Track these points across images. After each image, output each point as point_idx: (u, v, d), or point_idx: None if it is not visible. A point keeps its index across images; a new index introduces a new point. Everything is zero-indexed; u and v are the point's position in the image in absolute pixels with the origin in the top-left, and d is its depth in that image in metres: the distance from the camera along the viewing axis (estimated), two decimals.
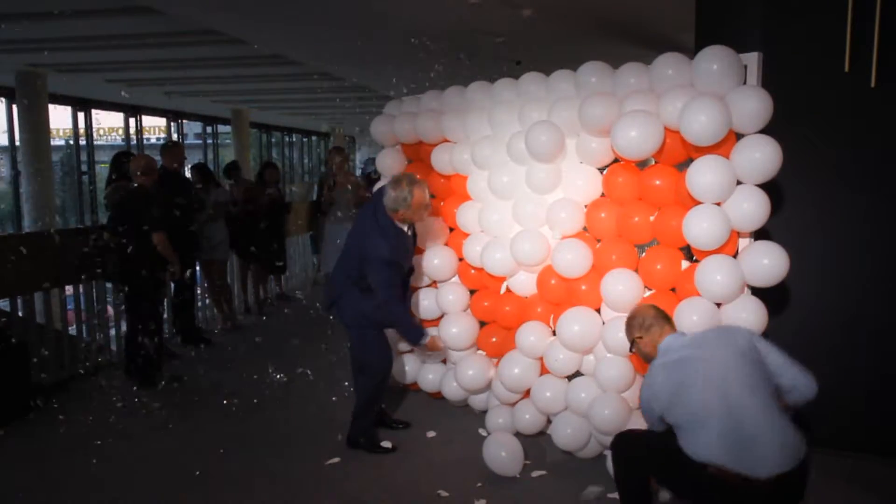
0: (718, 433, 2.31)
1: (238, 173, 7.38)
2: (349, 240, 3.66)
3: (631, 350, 2.83)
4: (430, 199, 3.55)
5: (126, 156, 5.38)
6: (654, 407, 2.51)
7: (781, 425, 2.32)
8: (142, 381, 4.78)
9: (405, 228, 3.56)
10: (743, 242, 3.12)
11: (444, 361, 4.28)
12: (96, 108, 11.70)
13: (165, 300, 5.77)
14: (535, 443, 3.71)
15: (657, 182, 3.23)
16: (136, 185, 4.77)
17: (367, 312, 3.55)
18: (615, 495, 2.93)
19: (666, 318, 2.71)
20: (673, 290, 3.25)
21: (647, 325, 2.69)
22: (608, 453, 3.35)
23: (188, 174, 6.22)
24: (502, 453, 3.36)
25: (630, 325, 2.76)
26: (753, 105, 2.91)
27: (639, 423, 3.11)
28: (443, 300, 4.17)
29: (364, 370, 3.67)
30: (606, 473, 3.32)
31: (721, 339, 2.50)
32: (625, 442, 2.70)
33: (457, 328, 4.04)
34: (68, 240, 5.03)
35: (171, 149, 5.78)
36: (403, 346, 4.40)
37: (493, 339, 3.96)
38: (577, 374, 3.56)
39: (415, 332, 3.60)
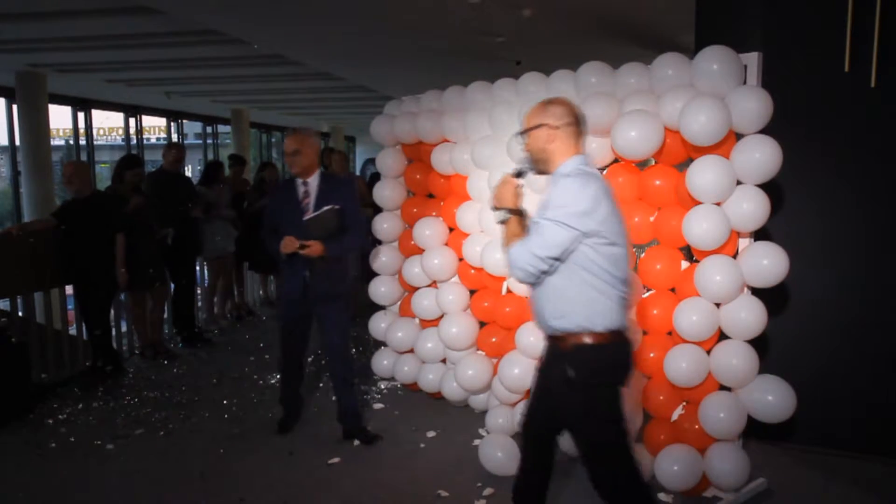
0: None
1: (219, 173, 6.66)
2: None
3: (521, 133, 2.35)
4: (286, 146, 3.71)
5: (124, 161, 5.38)
6: (582, 226, 2.14)
7: None
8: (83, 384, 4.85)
9: (299, 182, 3.73)
10: (743, 243, 3.12)
11: (444, 361, 4.28)
12: (96, 108, 11.71)
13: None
14: None
15: (657, 182, 3.23)
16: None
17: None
18: None
19: (583, 135, 2.32)
20: (673, 290, 3.25)
21: (568, 122, 2.27)
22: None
23: (188, 174, 6.22)
24: (499, 454, 3.37)
25: (548, 109, 2.29)
26: (753, 105, 2.91)
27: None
28: (443, 300, 4.17)
29: None
30: None
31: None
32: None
33: (457, 328, 4.04)
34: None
35: (170, 150, 5.80)
36: (403, 346, 4.41)
37: (493, 339, 3.97)
38: None
39: (271, 244, 3.69)
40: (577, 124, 2.29)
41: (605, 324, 2.21)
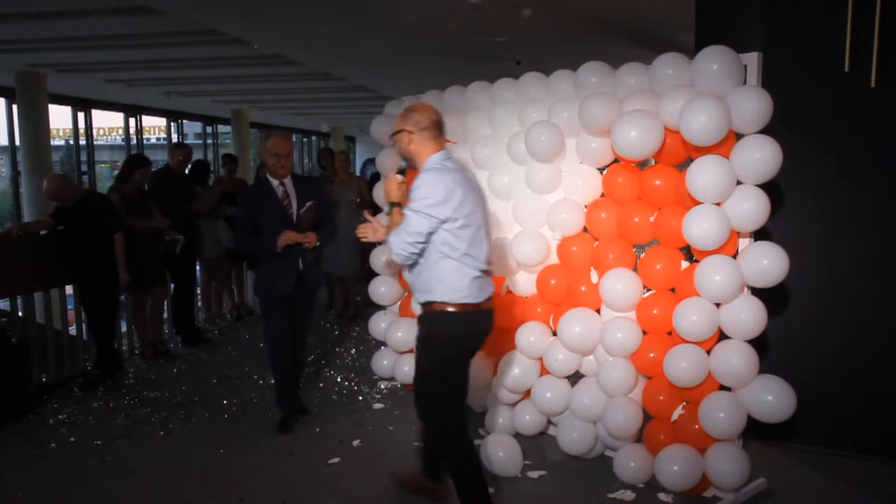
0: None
1: (207, 173, 6.59)
2: None
3: (391, 136, 2.81)
4: (280, 148, 3.76)
5: (134, 159, 5.37)
6: (437, 214, 2.55)
7: None
8: (83, 384, 4.86)
9: (275, 183, 3.83)
10: (743, 243, 3.12)
11: None
12: (96, 108, 11.70)
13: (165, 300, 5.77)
14: (535, 443, 3.71)
15: (657, 182, 3.23)
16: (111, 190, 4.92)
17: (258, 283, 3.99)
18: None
19: (441, 136, 2.73)
20: (672, 290, 3.25)
21: (424, 126, 2.68)
22: (613, 454, 3.36)
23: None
24: (500, 454, 3.37)
25: (408, 116, 2.71)
26: (753, 105, 2.91)
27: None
28: None
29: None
30: (608, 473, 3.33)
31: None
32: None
33: None
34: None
35: (179, 150, 5.81)
36: (403, 346, 4.40)
37: (493, 340, 3.96)
38: (578, 374, 3.57)
39: (266, 245, 3.76)
40: (435, 127, 2.70)
41: (462, 297, 2.62)
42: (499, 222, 3.74)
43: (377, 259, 4.58)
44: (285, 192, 3.84)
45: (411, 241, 2.60)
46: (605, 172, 3.50)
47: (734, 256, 3.06)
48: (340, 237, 4.64)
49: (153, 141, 16.24)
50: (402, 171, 2.74)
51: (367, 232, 2.91)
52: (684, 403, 3.20)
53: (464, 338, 2.73)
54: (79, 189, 4.94)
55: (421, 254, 2.65)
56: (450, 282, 2.63)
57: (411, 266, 2.73)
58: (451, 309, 2.64)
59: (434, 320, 2.69)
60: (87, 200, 4.84)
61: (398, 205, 2.74)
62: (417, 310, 2.98)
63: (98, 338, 4.96)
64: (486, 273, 2.72)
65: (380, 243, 3.87)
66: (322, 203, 3.96)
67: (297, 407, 4.16)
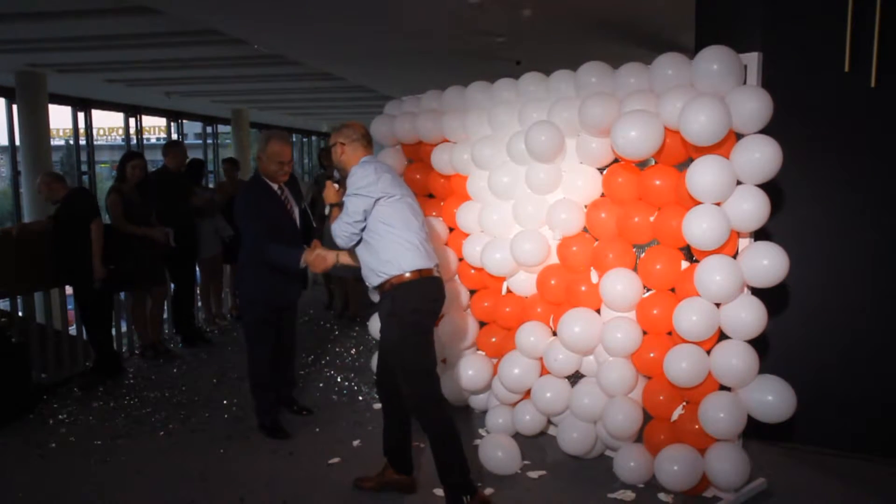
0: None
1: (199, 173, 6.52)
2: None
3: (331, 144, 3.21)
4: (285, 155, 3.76)
5: (124, 155, 5.37)
6: (371, 193, 2.96)
7: None
8: (82, 384, 4.86)
9: (274, 187, 3.82)
10: (743, 243, 3.11)
11: (444, 361, 4.28)
12: (96, 108, 11.70)
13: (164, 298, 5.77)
14: (535, 443, 3.71)
15: (657, 182, 3.23)
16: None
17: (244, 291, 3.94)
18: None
19: (369, 145, 3.21)
20: (672, 290, 3.25)
21: (355, 138, 3.14)
22: (613, 454, 3.36)
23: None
24: (499, 453, 3.37)
25: (341, 131, 3.17)
26: (753, 105, 2.90)
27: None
28: None
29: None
30: (608, 473, 3.33)
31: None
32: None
33: (453, 327, 4.04)
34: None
35: (176, 148, 5.80)
36: None
37: (493, 339, 3.97)
38: (577, 374, 3.57)
39: (292, 257, 3.61)
40: (363, 139, 3.18)
41: (413, 265, 2.95)
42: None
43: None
44: (285, 196, 3.83)
45: (351, 221, 2.98)
46: (605, 172, 3.50)
47: (734, 256, 3.06)
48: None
49: (153, 141, 16.25)
50: (337, 181, 3.27)
51: (316, 263, 3.42)
52: (684, 403, 3.20)
53: (424, 301, 2.99)
54: (65, 187, 4.92)
55: (361, 234, 3.01)
56: (399, 253, 2.95)
57: (360, 250, 3.06)
58: (407, 276, 2.94)
59: (395, 293, 2.96)
60: (71, 196, 4.86)
61: (337, 205, 3.19)
62: (375, 295, 3.18)
63: (92, 336, 4.95)
64: (427, 244, 3.05)
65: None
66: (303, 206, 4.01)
67: (296, 407, 4.19)
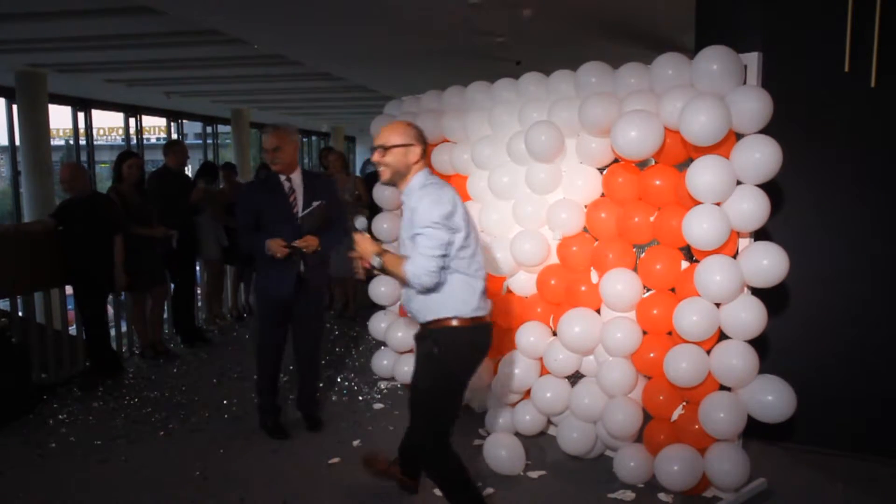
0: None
1: (216, 172, 6.68)
2: None
3: (385, 148, 2.66)
4: (267, 143, 3.66)
5: (120, 155, 5.37)
6: (453, 225, 2.54)
7: None
8: (82, 384, 4.85)
9: (282, 178, 3.73)
10: (743, 243, 3.11)
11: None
12: (96, 108, 11.71)
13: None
14: (535, 443, 3.71)
15: (657, 182, 3.23)
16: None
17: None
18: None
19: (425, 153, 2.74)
20: (672, 290, 3.25)
21: (424, 140, 2.72)
22: (613, 454, 3.36)
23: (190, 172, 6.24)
24: (503, 452, 3.37)
25: (407, 130, 2.68)
26: (753, 105, 2.91)
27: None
28: None
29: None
30: (608, 473, 3.33)
31: None
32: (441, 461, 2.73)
33: None
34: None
35: (176, 147, 5.80)
36: (403, 346, 4.40)
37: (493, 340, 3.96)
38: (577, 374, 3.57)
39: (255, 243, 3.68)
40: (426, 144, 2.73)
41: (472, 311, 2.61)
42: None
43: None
44: (291, 187, 3.72)
45: (436, 255, 2.52)
46: (605, 172, 3.50)
47: (734, 256, 3.06)
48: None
49: (153, 141, 16.25)
50: (365, 230, 2.79)
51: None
52: (684, 403, 3.20)
53: (472, 352, 2.70)
54: (88, 185, 4.94)
55: (444, 270, 2.57)
56: (461, 296, 2.59)
57: (438, 286, 2.61)
58: (458, 324, 2.60)
59: (442, 336, 2.62)
60: (93, 199, 4.86)
61: (383, 252, 2.66)
62: (415, 327, 2.89)
63: (93, 338, 4.95)
64: (485, 287, 2.72)
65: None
66: (332, 204, 3.83)
67: (312, 412, 4.09)
